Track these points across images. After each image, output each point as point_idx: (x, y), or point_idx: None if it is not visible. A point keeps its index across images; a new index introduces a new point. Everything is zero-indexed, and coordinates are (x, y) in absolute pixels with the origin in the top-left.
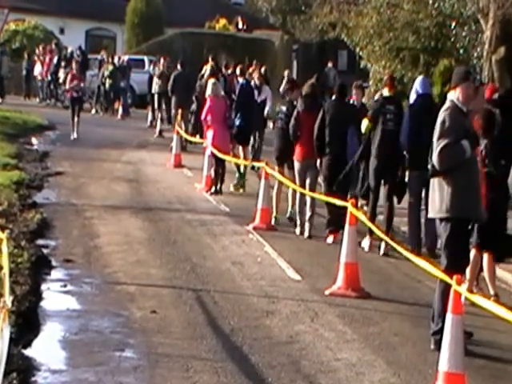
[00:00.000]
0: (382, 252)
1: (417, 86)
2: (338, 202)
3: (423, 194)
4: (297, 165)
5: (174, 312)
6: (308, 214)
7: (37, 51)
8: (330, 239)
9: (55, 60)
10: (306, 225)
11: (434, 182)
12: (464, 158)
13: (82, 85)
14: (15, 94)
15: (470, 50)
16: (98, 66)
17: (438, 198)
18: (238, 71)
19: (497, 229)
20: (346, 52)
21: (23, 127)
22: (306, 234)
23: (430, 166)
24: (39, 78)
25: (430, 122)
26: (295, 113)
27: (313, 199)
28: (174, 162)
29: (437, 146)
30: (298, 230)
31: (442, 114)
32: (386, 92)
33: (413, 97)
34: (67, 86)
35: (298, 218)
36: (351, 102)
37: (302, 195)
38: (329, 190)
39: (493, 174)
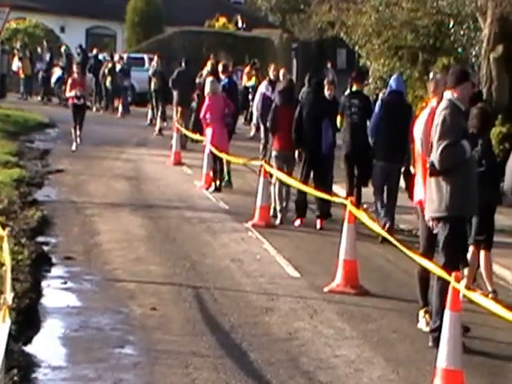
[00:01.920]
0: None
1: (391, 82)
2: (314, 192)
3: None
4: (275, 154)
5: (173, 309)
6: (283, 202)
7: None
8: (297, 222)
9: (47, 57)
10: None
11: (431, 182)
12: (465, 158)
13: (84, 91)
14: (16, 93)
15: (469, 48)
16: (92, 64)
17: (436, 197)
18: (220, 68)
19: (492, 226)
20: (345, 50)
21: (24, 125)
22: (278, 221)
23: (428, 165)
24: (22, 74)
25: (400, 118)
26: (273, 107)
27: (288, 189)
28: (173, 159)
29: (437, 146)
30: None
31: (441, 113)
32: (354, 87)
33: (386, 92)
34: (67, 93)
35: (277, 205)
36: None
37: (281, 184)
38: (305, 180)
39: (487, 173)
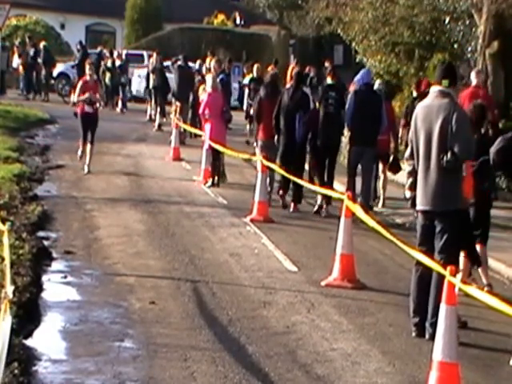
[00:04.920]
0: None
1: (362, 76)
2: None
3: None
4: (260, 144)
5: (172, 303)
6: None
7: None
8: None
9: (31, 53)
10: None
11: (436, 175)
12: None
13: (97, 97)
14: (16, 89)
15: (464, 44)
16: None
17: (446, 191)
18: (211, 65)
19: (488, 221)
20: (342, 46)
21: (24, 121)
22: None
23: (449, 159)
24: (22, 71)
25: (371, 107)
26: (258, 99)
27: (272, 175)
28: (172, 155)
29: (466, 139)
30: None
31: (456, 108)
32: (329, 80)
33: (357, 85)
34: (75, 98)
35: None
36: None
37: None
38: (281, 163)
39: (482, 168)
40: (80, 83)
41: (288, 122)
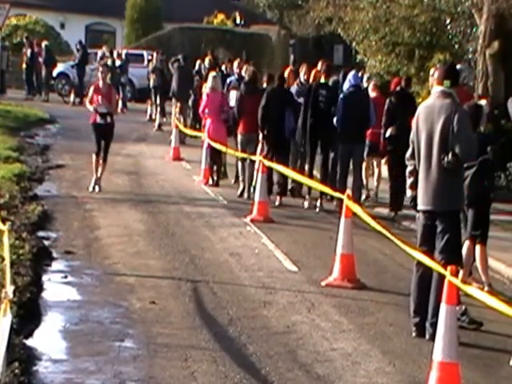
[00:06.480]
0: (317, 210)
1: (350, 78)
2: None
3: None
4: (240, 137)
5: (172, 302)
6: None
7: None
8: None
9: (29, 53)
10: (243, 186)
11: (437, 175)
12: None
13: (110, 105)
14: (16, 88)
15: (465, 44)
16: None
17: (446, 191)
18: (234, 68)
19: (487, 221)
20: (342, 46)
21: (25, 121)
22: (246, 195)
23: (450, 159)
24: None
25: (360, 107)
26: (238, 95)
27: (252, 166)
28: (172, 154)
29: (466, 139)
30: (240, 190)
31: (460, 108)
32: (322, 79)
33: (346, 86)
34: (88, 105)
35: (240, 180)
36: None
37: (244, 162)
38: (267, 156)
39: (480, 168)
40: (91, 88)
41: (278, 118)
